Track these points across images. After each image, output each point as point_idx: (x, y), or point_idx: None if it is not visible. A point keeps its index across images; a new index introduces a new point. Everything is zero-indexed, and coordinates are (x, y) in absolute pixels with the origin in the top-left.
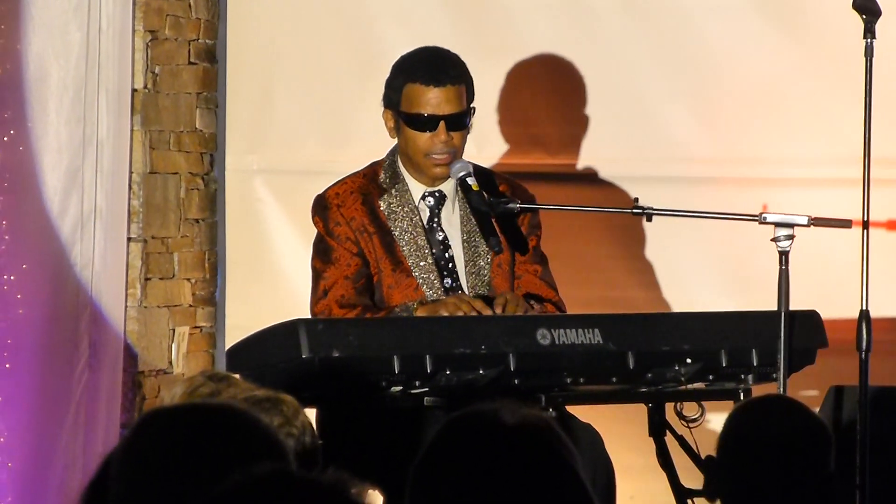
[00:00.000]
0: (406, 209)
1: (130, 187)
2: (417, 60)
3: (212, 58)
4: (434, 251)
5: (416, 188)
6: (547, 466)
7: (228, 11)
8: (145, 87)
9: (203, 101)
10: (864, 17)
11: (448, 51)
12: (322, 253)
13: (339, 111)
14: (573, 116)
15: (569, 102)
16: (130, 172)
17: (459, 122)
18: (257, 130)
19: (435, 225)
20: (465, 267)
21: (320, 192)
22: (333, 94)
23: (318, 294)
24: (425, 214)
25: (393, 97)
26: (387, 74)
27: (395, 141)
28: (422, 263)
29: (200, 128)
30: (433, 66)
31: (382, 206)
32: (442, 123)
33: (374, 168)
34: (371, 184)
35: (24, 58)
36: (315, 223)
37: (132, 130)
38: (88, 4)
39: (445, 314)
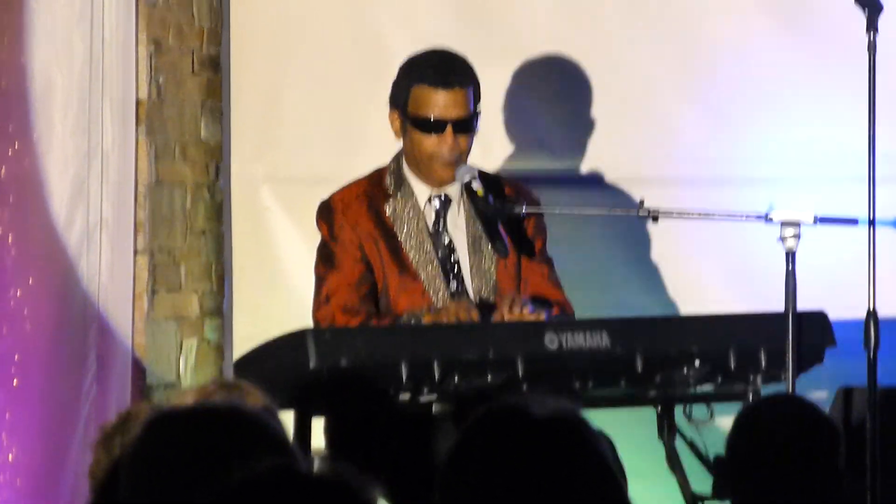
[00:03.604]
0: (411, 213)
1: (136, 198)
2: (425, 61)
3: (216, 66)
4: (440, 255)
5: (422, 191)
6: (579, 459)
7: (232, 19)
8: (150, 96)
9: (208, 110)
10: (866, 11)
11: (455, 53)
12: (325, 258)
13: (345, 118)
14: (578, 119)
15: (574, 105)
16: (136, 183)
17: (467, 125)
18: (263, 138)
19: (440, 228)
20: (471, 270)
21: (325, 197)
22: (339, 101)
23: (320, 299)
24: (431, 218)
25: (400, 98)
26: (393, 79)
27: (401, 145)
28: (428, 267)
29: (206, 137)
30: (441, 68)
31: (388, 210)
32: (449, 127)
33: (378, 173)
34: (376, 188)
35: (28, 69)
36: (319, 228)
37: (137, 141)
38: (91, 14)
39: (446, 321)
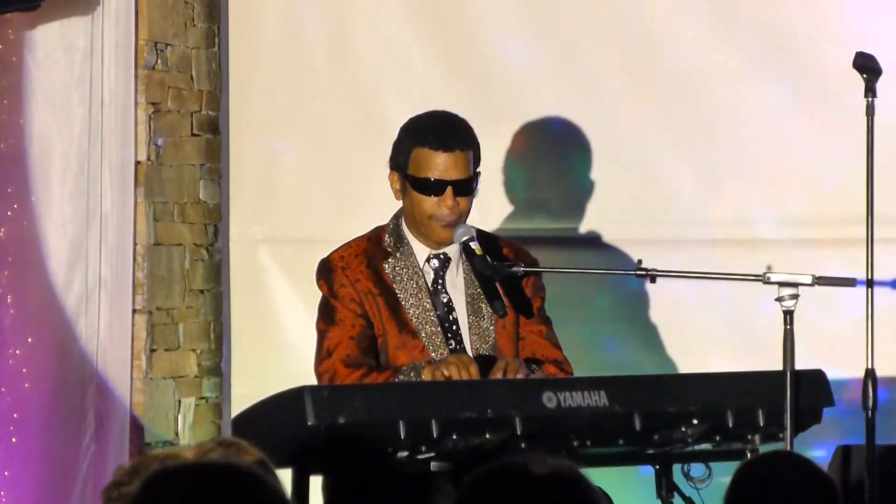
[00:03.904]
0: (410, 272)
1: (135, 259)
2: (426, 124)
3: (214, 129)
4: (438, 313)
5: (421, 251)
6: None
7: (230, 82)
8: (148, 159)
9: (206, 172)
10: (864, 76)
11: (456, 115)
12: (326, 314)
13: (342, 180)
14: (577, 180)
15: (573, 167)
16: (135, 244)
17: (466, 187)
18: (261, 200)
19: (439, 287)
20: (469, 329)
21: (325, 255)
22: (337, 163)
23: (321, 354)
24: (430, 277)
25: (400, 160)
26: (391, 141)
27: (399, 205)
28: (427, 325)
29: (204, 199)
30: (442, 131)
31: (387, 268)
32: (449, 189)
33: (377, 232)
34: (375, 247)
35: (28, 132)
36: (319, 286)
37: (136, 202)
38: (91, 77)
39: (446, 373)
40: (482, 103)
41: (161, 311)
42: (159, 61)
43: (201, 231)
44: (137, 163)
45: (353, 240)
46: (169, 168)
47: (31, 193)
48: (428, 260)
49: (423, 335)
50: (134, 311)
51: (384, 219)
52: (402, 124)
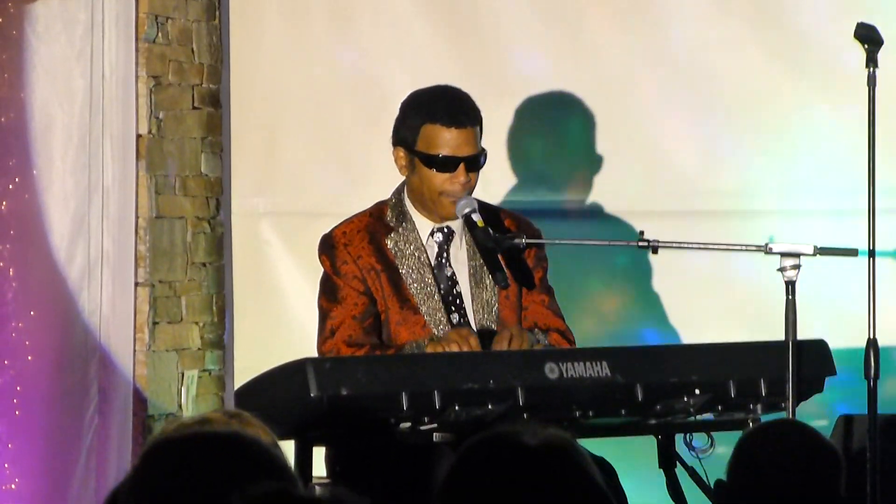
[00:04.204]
0: (413, 247)
1: (137, 232)
2: (435, 100)
3: (216, 102)
4: (441, 288)
5: (424, 226)
6: (570, 484)
7: (232, 56)
8: (150, 132)
9: (208, 145)
10: (865, 46)
11: (460, 90)
12: (329, 292)
13: (344, 153)
14: (580, 153)
15: (576, 139)
16: (137, 217)
17: (476, 162)
18: (263, 173)
19: (443, 261)
20: (473, 301)
21: (327, 231)
22: (338, 136)
23: (325, 334)
24: (433, 251)
25: (408, 136)
26: (393, 115)
27: (401, 180)
28: (429, 300)
29: (206, 172)
30: (452, 108)
31: (389, 244)
32: (462, 165)
33: (380, 207)
34: (378, 222)
35: (28, 105)
36: (322, 262)
37: (137, 176)
38: (91, 51)
39: (448, 349)
40: (485, 76)
41: (163, 284)
42: (160, 35)
43: (203, 204)
44: (139, 136)
45: (355, 215)
46: (170, 141)
47: (32, 167)
48: (431, 234)
49: (425, 311)
50: (136, 284)
51: (386, 193)
52: (403, 99)
